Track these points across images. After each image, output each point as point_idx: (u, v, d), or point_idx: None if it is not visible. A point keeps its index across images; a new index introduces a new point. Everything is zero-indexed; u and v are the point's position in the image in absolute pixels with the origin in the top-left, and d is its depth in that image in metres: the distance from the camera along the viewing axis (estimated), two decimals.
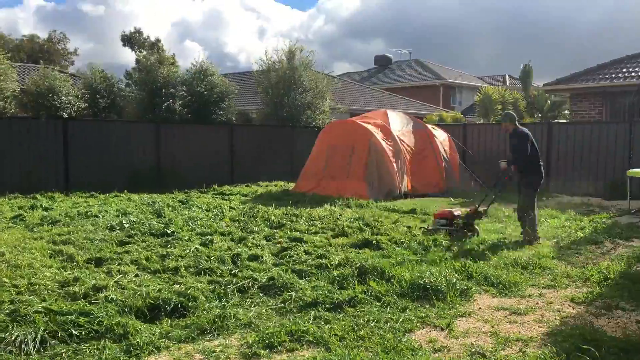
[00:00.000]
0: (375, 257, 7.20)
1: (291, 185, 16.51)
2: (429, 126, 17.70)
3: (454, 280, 6.09)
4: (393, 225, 10.04)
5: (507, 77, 45.30)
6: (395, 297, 5.70)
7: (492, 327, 5.00)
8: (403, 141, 15.83)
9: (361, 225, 9.71)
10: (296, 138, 20.42)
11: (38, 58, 36.81)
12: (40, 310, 4.90)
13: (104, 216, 10.61)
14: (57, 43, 41.99)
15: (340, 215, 11.16)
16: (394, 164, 15.00)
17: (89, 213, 10.88)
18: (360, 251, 7.72)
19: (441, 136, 17.28)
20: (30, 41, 39.87)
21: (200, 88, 18.17)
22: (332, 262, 6.91)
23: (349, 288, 5.90)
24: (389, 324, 4.96)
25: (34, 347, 4.34)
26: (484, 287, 6.21)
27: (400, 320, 5.05)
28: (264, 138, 19.77)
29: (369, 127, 15.64)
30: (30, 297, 5.34)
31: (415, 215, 11.52)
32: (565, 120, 22.88)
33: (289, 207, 11.95)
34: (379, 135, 15.39)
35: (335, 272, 6.47)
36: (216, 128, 18.52)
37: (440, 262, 7.04)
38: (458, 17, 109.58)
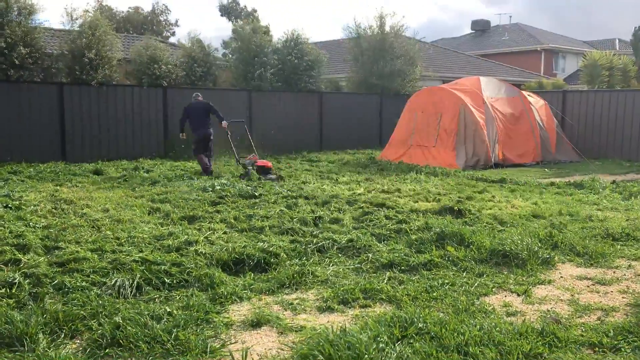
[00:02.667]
0: (455, 224, 7.15)
1: (378, 153, 16.52)
2: (525, 93, 16.95)
3: (536, 248, 5.95)
4: (478, 194, 9.85)
5: (617, 41, 42.00)
6: (473, 262, 5.68)
7: (572, 295, 4.87)
8: (496, 109, 15.30)
9: (445, 192, 9.62)
10: (385, 106, 20.31)
11: (143, 29, 38.86)
12: (137, 259, 5.37)
13: (198, 178, 11.23)
14: (159, 14, 44.00)
15: (425, 182, 11.09)
16: (485, 132, 14.58)
17: (184, 176, 11.58)
18: (441, 218, 7.68)
19: (538, 104, 16.53)
20: (136, 13, 42.04)
21: (290, 57, 18.45)
22: (411, 227, 6.96)
23: (426, 252, 5.94)
24: (463, 287, 4.98)
25: (131, 292, 4.78)
26: (568, 257, 6.02)
27: (476, 284, 5.05)
28: (353, 106, 19.83)
29: (459, 94, 15.26)
30: (129, 248, 5.85)
31: (503, 185, 11.20)
32: None
33: (374, 174, 12.02)
34: (469, 102, 14.98)
35: (414, 237, 6.51)
36: (305, 95, 18.81)
37: (524, 230, 6.87)
38: None
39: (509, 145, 15.11)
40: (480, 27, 45.56)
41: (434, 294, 4.78)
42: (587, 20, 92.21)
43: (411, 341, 3.77)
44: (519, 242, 6.06)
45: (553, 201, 9.29)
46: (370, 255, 5.86)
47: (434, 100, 15.68)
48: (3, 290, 4.56)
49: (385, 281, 5.11)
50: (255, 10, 44.74)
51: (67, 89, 14.57)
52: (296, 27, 26.74)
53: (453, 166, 13.92)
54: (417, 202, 8.96)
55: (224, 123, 11.93)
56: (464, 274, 5.37)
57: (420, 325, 3.95)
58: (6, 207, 7.71)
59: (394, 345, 3.68)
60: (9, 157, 13.42)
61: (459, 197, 9.37)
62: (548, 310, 4.49)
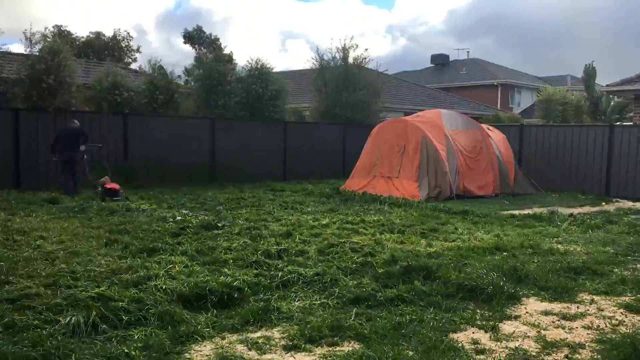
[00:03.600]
0: (421, 257, 7.13)
1: (342, 183, 16.54)
2: (484, 126, 17.34)
3: (501, 283, 5.96)
4: (441, 226, 9.91)
5: (569, 77, 43.77)
6: (440, 297, 5.63)
7: (539, 331, 4.87)
8: (456, 141, 15.57)
9: (410, 224, 9.64)
10: (348, 136, 20.45)
11: (104, 55, 38.27)
12: (93, 295, 5.13)
13: (156, 210, 10.94)
14: (121, 41, 43.52)
15: (389, 213, 11.11)
16: (447, 164, 14.78)
17: (141, 207, 11.26)
18: (407, 249, 7.65)
19: (497, 137, 16.90)
20: (96, 38, 41.46)
21: (255, 85, 18.46)
22: (377, 260, 6.90)
23: (394, 287, 5.87)
24: (431, 324, 4.91)
25: (86, 331, 4.53)
26: (532, 292, 6.06)
27: (444, 320, 5.00)
28: (317, 136, 19.90)
29: (422, 126, 15.49)
30: (85, 283, 5.58)
31: (465, 217, 11.32)
32: (629, 123, 21.88)
33: (338, 205, 11.98)
34: (431, 134, 15.21)
35: (380, 270, 6.45)
36: (270, 124, 18.78)
37: (483, 263, 6.90)
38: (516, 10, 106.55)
39: (470, 177, 15.35)
40: (440, 62, 46.83)
41: (403, 331, 4.70)
42: (543, 56, 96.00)
43: None
44: (484, 276, 6.07)
45: (514, 234, 9.41)
46: (337, 290, 5.76)
47: (397, 132, 15.86)
48: None
49: (352, 317, 5.00)
50: (217, 39, 44.69)
51: (23, 115, 14.13)
52: (260, 56, 26.93)
53: (416, 197, 14.03)
54: (382, 233, 8.93)
55: (82, 147, 13.23)
56: (432, 309, 5.31)
57: None
58: None
59: None
60: None
61: (423, 229, 9.40)
62: (516, 348, 4.46)
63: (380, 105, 22.15)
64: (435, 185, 14.74)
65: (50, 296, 5.11)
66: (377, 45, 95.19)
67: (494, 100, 39.33)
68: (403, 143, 15.45)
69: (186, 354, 4.24)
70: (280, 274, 6.22)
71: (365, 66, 21.70)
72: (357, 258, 7.11)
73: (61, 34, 36.23)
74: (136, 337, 4.47)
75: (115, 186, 12.60)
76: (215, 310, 5.19)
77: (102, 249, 7.27)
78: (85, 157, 13.35)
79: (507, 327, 4.99)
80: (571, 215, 11.61)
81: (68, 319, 4.62)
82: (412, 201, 13.17)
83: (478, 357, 4.25)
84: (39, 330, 4.43)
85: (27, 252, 6.82)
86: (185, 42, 40.70)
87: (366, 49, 26.18)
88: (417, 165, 15.00)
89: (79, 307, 4.89)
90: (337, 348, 4.40)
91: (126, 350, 4.09)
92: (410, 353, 4.21)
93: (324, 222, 9.85)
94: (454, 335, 4.71)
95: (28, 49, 15.00)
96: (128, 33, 45.69)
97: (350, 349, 4.35)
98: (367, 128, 18.40)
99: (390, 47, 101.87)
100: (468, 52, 48.66)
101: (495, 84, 40.10)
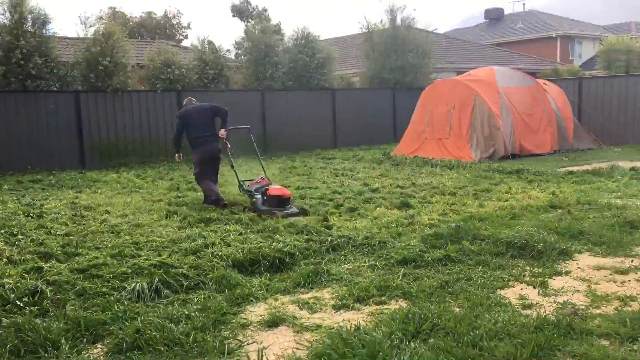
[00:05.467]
0: (471, 218, 7.13)
1: (393, 148, 16.50)
2: (540, 81, 16.76)
3: (553, 239, 5.91)
4: (494, 186, 9.80)
5: (633, 24, 41.24)
6: (489, 256, 5.66)
7: (589, 286, 4.84)
8: (511, 98, 15.15)
9: (462, 185, 9.60)
10: (398, 100, 20.26)
11: (156, 33, 39.16)
12: (155, 263, 5.46)
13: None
14: (172, 18, 44.32)
15: (441, 175, 11.06)
16: (501, 123, 14.45)
17: None
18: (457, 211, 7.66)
19: (554, 92, 16.34)
20: (149, 18, 42.41)
21: (302, 55, 18.49)
22: (425, 223, 6.96)
23: (441, 247, 5.93)
24: (479, 281, 4.98)
25: (150, 296, 4.86)
26: (586, 247, 5.98)
27: (492, 278, 5.05)
28: (366, 102, 19.82)
29: (473, 84, 15.15)
30: (148, 252, 5.94)
31: (520, 176, 11.12)
32: None
33: (388, 170, 12.02)
34: (483, 92, 14.86)
35: (429, 232, 6.52)
36: (318, 93, 18.84)
37: (536, 221, 6.83)
38: None
39: (526, 135, 14.96)
40: (494, 16, 45.05)
41: (450, 289, 4.79)
42: (605, 2, 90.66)
43: (426, 337, 3.79)
44: (535, 233, 6.03)
45: (571, 190, 9.21)
46: (384, 252, 5.88)
47: (446, 92, 15.59)
48: (26, 299, 4.67)
49: (400, 278, 5.13)
50: (265, 10, 44.77)
51: (83, 97, 14.80)
52: (307, 24, 26.83)
53: (468, 158, 13.85)
54: (432, 196, 8.95)
55: (222, 132, 8.81)
56: (480, 268, 5.36)
57: (435, 321, 3.96)
58: (27, 215, 7.87)
59: (409, 341, 3.70)
60: (29, 166, 13.66)
61: (475, 190, 9.34)
62: (564, 302, 4.47)
63: (431, 67, 21.72)
64: (489, 145, 14.48)
65: (116, 265, 5.49)
66: (427, 3, 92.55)
67: (552, 53, 37.65)
68: (454, 104, 15.19)
69: (242, 314, 4.49)
70: (329, 238, 6.39)
71: (414, 27, 21.27)
72: (406, 220, 7.19)
73: (115, 15, 37.24)
74: (195, 300, 4.76)
75: (284, 191, 8.22)
76: (268, 274, 5.44)
77: (162, 221, 7.66)
78: (228, 146, 8.89)
79: (556, 282, 4.98)
80: (632, 169, 11.20)
81: (133, 285, 4.96)
82: (464, 162, 13.02)
83: (525, 311, 4.29)
84: (107, 296, 4.79)
85: (94, 226, 7.28)
86: (233, 16, 40.96)
87: (414, 9, 25.63)
88: (468, 125, 14.75)
89: (143, 274, 5.23)
90: (384, 306, 4.54)
91: (186, 312, 4.38)
92: (457, 309, 4.30)
93: (374, 187, 9.94)
94: (502, 292, 4.75)
95: (84, 33, 15.60)
96: (178, 10, 46.48)
97: (397, 306, 4.49)
98: (417, 91, 18.16)
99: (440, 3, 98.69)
100: (524, 4, 46.62)
101: (554, 35, 38.29)
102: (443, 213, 7.69)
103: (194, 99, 9.46)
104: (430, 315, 4.03)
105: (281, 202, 7.96)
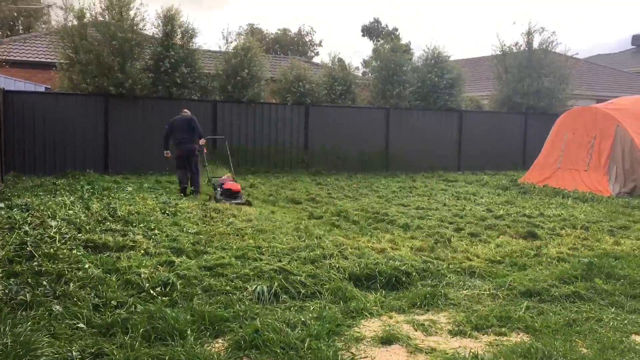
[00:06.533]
0: (605, 255, 6.61)
1: (521, 175, 15.75)
2: None
3: None
4: (633, 224, 9.01)
5: None
6: (624, 297, 5.21)
7: None
8: None
9: (595, 220, 8.94)
10: (530, 126, 19.37)
11: (289, 50, 40.89)
12: (275, 268, 5.67)
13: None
14: (305, 35, 46.04)
15: (573, 208, 10.38)
16: None
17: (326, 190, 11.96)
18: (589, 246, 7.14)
19: None
20: (284, 34, 44.43)
21: (430, 74, 18.33)
22: (553, 256, 6.56)
23: (571, 283, 5.56)
24: (611, 323, 4.59)
25: (269, 299, 5.05)
26: None
27: (626, 322, 4.64)
28: (495, 125, 19.16)
29: (615, 113, 14.08)
30: (269, 257, 6.18)
31: None
32: None
33: (515, 197, 11.49)
34: (627, 122, 13.75)
35: (559, 266, 6.14)
36: (444, 114, 18.53)
37: None
38: None
39: None
40: None
41: (577, 328, 4.47)
42: None
43: None
44: None
45: None
46: (507, 281, 5.62)
47: (585, 121, 14.63)
48: (159, 289, 5.04)
49: (523, 310, 4.87)
50: (396, 29, 45.06)
51: (220, 106, 15.80)
52: (437, 44, 26.42)
53: (605, 192, 12.86)
54: (562, 229, 8.42)
55: (202, 140, 11.37)
56: (613, 309, 4.95)
57: (559, 359, 3.72)
58: (164, 213, 8.51)
59: None
60: (167, 168, 14.78)
61: (611, 227, 8.65)
62: None
63: (569, 92, 20.51)
64: (629, 180, 13.34)
65: (239, 266, 5.76)
66: (567, 28, 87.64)
67: None
68: (593, 133, 14.21)
69: (355, 328, 4.51)
70: (447, 261, 6.23)
71: (553, 50, 20.25)
72: (532, 251, 6.83)
73: (253, 31, 39.41)
74: (312, 308, 4.86)
75: (235, 186, 10.65)
76: (383, 291, 5.42)
77: (283, 228, 7.92)
78: (205, 150, 11.71)
79: None
80: None
81: (254, 287, 5.18)
82: (600, 196, 12.12)
83: None
84: (230, 294, 5.04)
85: (221, 227, 7.70)
86: (363, 35, 41.68)
87: (553, 32, 24.32)
88: (607, 156, 13.71)
89: (264, 277, 5.45)
90: (505, 338, 4.34)
91: (303, 319, 4.49)
92: (584, 350, 4.01)
93: (498, 214, 9.56)
94: (637, 338, 4.35)
95: (225, 47, 16.70)
96: (312, 28, 48.19)
97: (519, 339, 4.27)
98: (551, 117, 17.25)
99: (582, 26, 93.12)
100: None
101: None
102: (574, 247, 7.21)
103: (186, 109, 12.05)
104: (554, 352, 3.80)
105: (232, 194, 10.28)
